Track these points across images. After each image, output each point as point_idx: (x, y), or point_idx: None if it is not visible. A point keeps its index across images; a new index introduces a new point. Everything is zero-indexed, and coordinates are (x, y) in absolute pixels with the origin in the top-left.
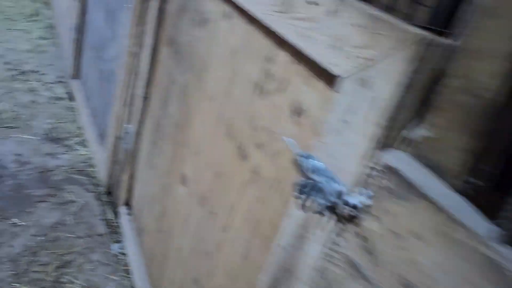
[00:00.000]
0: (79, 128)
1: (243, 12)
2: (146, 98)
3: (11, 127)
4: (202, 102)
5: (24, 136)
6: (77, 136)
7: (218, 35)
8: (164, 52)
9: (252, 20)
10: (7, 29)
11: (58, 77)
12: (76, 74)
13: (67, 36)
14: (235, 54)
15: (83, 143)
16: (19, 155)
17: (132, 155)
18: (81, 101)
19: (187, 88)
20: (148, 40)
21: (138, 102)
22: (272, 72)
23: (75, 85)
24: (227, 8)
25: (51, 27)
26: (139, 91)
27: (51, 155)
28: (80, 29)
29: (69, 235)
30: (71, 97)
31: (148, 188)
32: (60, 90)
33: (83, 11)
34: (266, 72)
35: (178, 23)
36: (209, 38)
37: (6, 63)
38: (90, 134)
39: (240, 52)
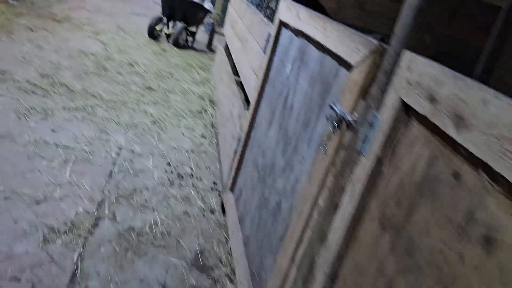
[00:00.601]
0: (228, 253)
1: None
2: (333, 279)
3: (161, 246)
4: None
5: (172, 259)
6: (225, 265)
7: None
8: (373, 232)
9: None
10: (174, 125)
11: (213, 183)
12: (232, 186)
13: (228, 142)
14: None
15: (231, 276)
16: (164, 286)
17: None
18: (233, 220)
19: None
20: (347, 204)
21: (319, 276)
22: None
23: (228, 198)
24: None
25: (212, 126)
26: (323, 263)
27: None
28: (245, 142)
29: None
30: (223, 211)
31: None
32: (213, 201)
33: (251, 124)
34: None
35: (409, 206)
36: (497, 275)
37: (167, 164)
38: (239, 266)
39: None
